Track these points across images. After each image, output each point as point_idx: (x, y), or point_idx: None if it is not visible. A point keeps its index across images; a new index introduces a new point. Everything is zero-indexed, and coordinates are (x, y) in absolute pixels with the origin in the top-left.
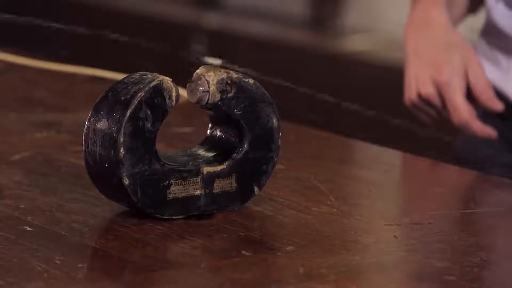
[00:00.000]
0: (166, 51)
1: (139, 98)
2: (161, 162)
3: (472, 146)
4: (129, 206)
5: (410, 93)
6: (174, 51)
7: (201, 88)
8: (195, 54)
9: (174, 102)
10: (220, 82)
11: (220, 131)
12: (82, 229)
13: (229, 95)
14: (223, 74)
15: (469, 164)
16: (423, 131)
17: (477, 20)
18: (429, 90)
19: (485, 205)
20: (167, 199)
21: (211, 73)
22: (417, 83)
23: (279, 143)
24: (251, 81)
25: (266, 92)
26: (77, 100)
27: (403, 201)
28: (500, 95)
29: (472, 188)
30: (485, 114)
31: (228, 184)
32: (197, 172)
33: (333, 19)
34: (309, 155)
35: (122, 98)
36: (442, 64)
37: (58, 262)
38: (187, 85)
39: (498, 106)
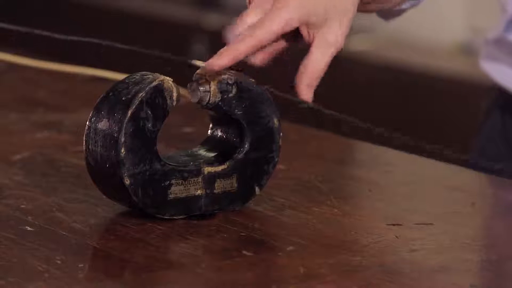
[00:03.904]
0: (166, 51)
1: (140, 98)
2: (162, 162)
3: (490, 146)
4: (130, 206)
5: None
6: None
7: (202, 88)
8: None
9: (175, 102)
10: (221, 82)
11: (221, 131)
12: (83, 229)
13: (230, 95)
14: (224, 74)
15: (486, 164)
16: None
17: (477, 20)
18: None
19: (485, 205)
20: (168, 199)
21: (212, 73)
22: None
23: (280, 143)
24: (252, 81)
25: (267, 92)
26: (77, 100)
27: (404, 201)
28: None
29: (472, 188)
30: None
31: (229, 184)
32: (198, 172)
33: None
34: (309, 155)
35: (123, 98)
36: None
37: (59, 262)
38: (188, 85)
39: None
